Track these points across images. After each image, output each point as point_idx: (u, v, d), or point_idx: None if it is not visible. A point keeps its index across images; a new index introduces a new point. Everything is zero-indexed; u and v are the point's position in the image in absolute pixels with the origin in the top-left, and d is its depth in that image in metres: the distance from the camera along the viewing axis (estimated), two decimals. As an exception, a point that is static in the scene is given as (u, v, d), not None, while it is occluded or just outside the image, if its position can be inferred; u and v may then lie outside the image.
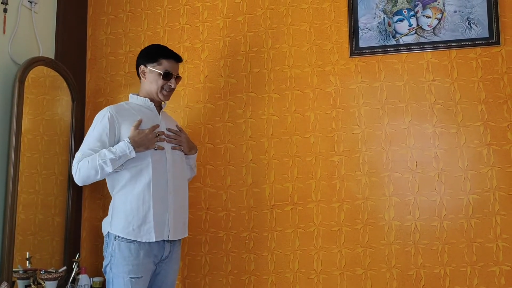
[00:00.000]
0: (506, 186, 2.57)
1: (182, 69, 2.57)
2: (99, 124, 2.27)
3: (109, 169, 2.17)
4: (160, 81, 2.39)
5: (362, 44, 2.78)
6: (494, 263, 2.54)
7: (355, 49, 2.79)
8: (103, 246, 2.30)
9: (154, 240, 2.24)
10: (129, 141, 2.20)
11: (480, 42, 2.66)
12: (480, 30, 2.66)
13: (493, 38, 2.63)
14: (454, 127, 2.67)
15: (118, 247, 2.21)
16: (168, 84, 2.41)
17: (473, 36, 2.67)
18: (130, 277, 2.18)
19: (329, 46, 2.85)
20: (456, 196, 2.64)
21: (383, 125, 2.76)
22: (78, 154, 2.24)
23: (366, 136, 2.78)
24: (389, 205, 2.72)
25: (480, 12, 2.66)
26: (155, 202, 2.25)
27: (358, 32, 2.78)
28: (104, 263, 2.27)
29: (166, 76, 2.39)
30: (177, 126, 2.54)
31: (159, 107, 2.47)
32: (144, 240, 2.22)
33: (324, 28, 2.86)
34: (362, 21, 2.79)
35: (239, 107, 2.93)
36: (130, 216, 2.22)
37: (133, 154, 2.20)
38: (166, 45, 2.57)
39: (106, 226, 2.29)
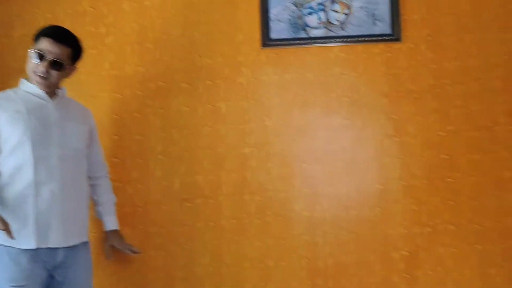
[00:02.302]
0: (408, 176, 2.57)
1: (85, 55, 2.24)
2: None
3: None
4: (31, 64, 1.98)
5: (273, 35, 2.63)
6: (393, 249, 2.54)
7: (267, 41, 2.63)
8: None
9: (34, 247, 1.88)
10: None
11: (383, 38, 2.62)
12: (384, 27, 2.62)
13: (394, 35, 2.61)
14: (360, 120, 2.62)
15: None
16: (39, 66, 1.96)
17: (377, 32, 2.62)
18: (10, 286, 1.83)
19: (241, 36, 2.66)
20: (363, 186, 2.59)
21: (294, 117, 2.63)
22: None
23: (277, 128, 2.65)
24: (299, 197, 2.61)
25: (383, 9, 2.62)
26: (36, 204, 1.90)
27: (269, 23, 2.63)
28: None
29: (37, 56, 1.96)
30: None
31: (55, 94, 2.08)
32: (23, 247, 1.87)
33: (236, 19, 2.67)
34: (273, 13, 2.63)
35: (147, 97, 2.65)
36: (8, 219, 1.81)
37: None
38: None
39: None
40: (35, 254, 1.90)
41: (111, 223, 2.32)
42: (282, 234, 2.58)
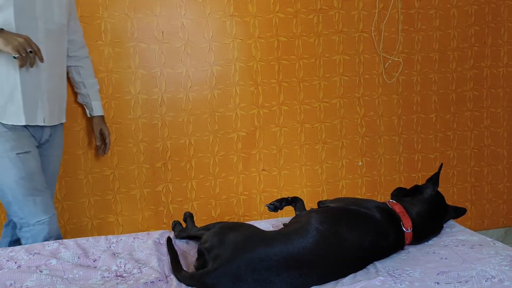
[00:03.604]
0: (245, 57, 2.50)
1: None
2: None
3: None
4: None
5: None
6: (232, 130, 2.54)
7: None
8: None
9: (23, 124, 1.78)
10: None
11: None
12: None
13: None
14: (200, -4, 2.40)
15: None
16: None
17: None
18: (17, 153, 1.75)
19: None
20: (201, 67, 2.46)
21: (127, -11, 2.29)
22: None
23: (107, 0, 2.29)
24: (135, 78, 2.38)
25: None
26: (23, 78, 1.75)
27: None
28: None
29: None
30: None
31: None
32: (10, 123, 1.76)
33: None
34: None
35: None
36: None
37: None
38: None
39: None
40: (26, 130, 1.81)
41: (99, 108, 2.20)
42: (118, 118, 2.38)
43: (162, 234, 1.64)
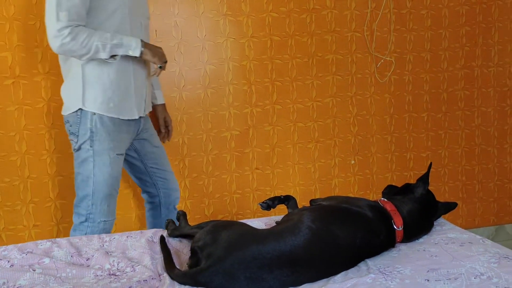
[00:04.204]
0: (238, 57, 2.51)
1: None
2: None
3: (104, 55, 1.75)
4: None
5: None
6: (226, 128, 2.54)
7: None
8: (69, 122, 1.86)
9: (137, 117, 1.91)
10: (142, 41, 1.80)
11: None
12: None
13: None
14: (194, -5, 2.41)
15: (100, 121, 1.81)
16: None
17: None
18: (116, 154, 1.85)
19: None
20: (195, 66, 2.46)
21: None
22: (63, 14, 1.66)
23: (100, -1, 2.28)
24: (128, 77, 2.38)
25: None
26: (135, 76, 1.87)
27: None
28: (79, 140, 1.83)
29: None
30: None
31: None
32: (126, 118, 1.87)
33: None
34: None
35: None
36: (110, 91, 1.81)
37: (137, 52, 1.78)
38: None
39: (75, 101, 1.81)
40: (129, 123, 1.90)
41: (161, 96, 2.25)
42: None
43: (155, 233, 1.64)
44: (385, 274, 1.32)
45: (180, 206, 2.51)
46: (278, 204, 1.73)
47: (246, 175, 2.60)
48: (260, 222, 1.73)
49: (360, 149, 2.74)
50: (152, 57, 1.83)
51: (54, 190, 2.34)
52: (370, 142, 2.75)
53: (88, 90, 1.80)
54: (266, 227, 1.58)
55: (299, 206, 1.70)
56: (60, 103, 2.27)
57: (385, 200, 1.56)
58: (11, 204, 2.30)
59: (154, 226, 2.18)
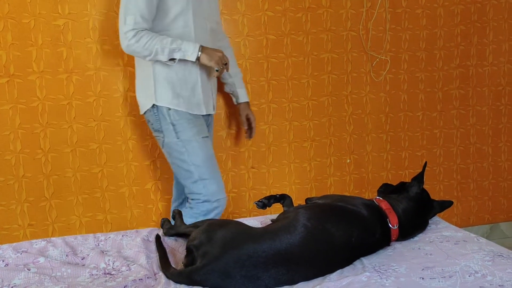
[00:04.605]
0: (236, 55, 2.51)
1: None
2: None
3: (163, 58, 1.86)
4: None
5: None
6: (221, 127, 2.54)
7: None
8: (150, 121, 1.99)
9: (204, 113, 2.02)
10: (201, 47, 1.88)
11: None
12: None
13: None
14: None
15: (177, 114, 1.94)
16: None
17: None
18: (202, 137, 1.98)
19: None
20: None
21: (115, -14, 2.28)
22: (130, 18, 1.82)
23: (95, -3, 2.28)
24: (124, 76, 2.37)
25: None
26: (201, 75, 1.98)
27: None
28: (165, 137, 1.96)
29: None
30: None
31: None
32: (194, 113, 1.98)
33: None
34: None
35: None
36: (178, 87, 1.94)
37: (193, 57, 1.87)
38: None
39: (149, 98, 1.96)
40: (201, 118, 2.02)
41: (244, 95, 2.31)
42: (106, 116, 2.37)
43: (150, 232, 1.64)
44: (380, 272, 1.32)
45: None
46: (273, 203, 1.73)
47: (242, 174, 2.60)
48: (256, 221, 1.73)
49: (355, 148, 2.75)
50: (209, 61, 1.90)
51: (49, 189, 2.33)
52: (366, 141, 2.76)
53: (159, 87, 1.94)
54: (262, 226, 1.58)
55: (295, 205, 1.71)
56: (55, 102, 2.28)
57: (381, 198, 1.56)
58: (6, 203, 2.29)
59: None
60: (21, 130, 2.26)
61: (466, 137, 2.91)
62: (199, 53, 1.88)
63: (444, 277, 1.27)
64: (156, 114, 1.97)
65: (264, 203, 1.70)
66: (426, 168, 1.68)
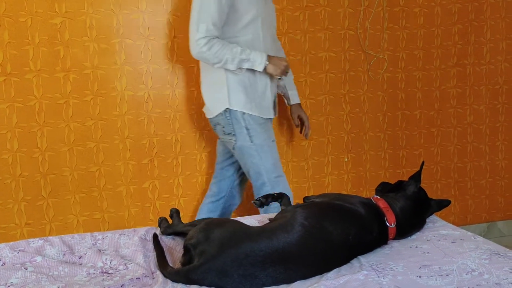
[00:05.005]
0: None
1: None
2: None
3: (231, 67, 1.93)
4: None
5: None
6: (219, 126, 2.54)
7: None
8: (221, 124, 2.02)
9: (273, 116, 2.11)
10: (268, 57, 1.94)
11: None
12: None
13: None
14: (187, -8, 2.40)
15: (251, 118, 2.00)
16: None
17: None
18: (272, 140, 2.07)
19: None
20: (188, 64, 2.45)
21: (112, -16, 2.28)
22: (202, 26, 1.86)
23: (92, -4, 2.27)
24: (121, 75, 2.37)
25: None
26: (271, 78, 2.03)
27: None
28: (238, 140, 2.01)
29: None
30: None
31: None
32: (265, 116, 2.04)
33: None
34: None
35: None
36: (250, 92, 1.99)
37: (261, 67, 1.94)
38: None
39: (221, 102, 1.99)
40: (269, 122, 2.10)
41: (296, 96, 2.35)
42: (103, 115, 2.36)
43: (148, 231, 1.63)
44: (377, 270, 1.32)
45: (173, 204, 2.51)
46: (271, 201, 1.72)
47: (240, 172, 2.60)
48: (253, 220, 1.73)
49: (353, 146, 2.75)
50: (275, 71, 1.98)
51: (46, 188, 2.33)
52: (363, 139, 2.76)
53: (233, 92, 1.98)
54: (259, 225, 1.58)
55: (293, 203, 1.70)
56: (52, 101, 2.28)
57: (378, 197, 1.56)
58: (3, 203, 2.29)
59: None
60: (18, 129, 2.25)
61: (464, 136, 2.91)
62: (266, 63, 1.95)
63: (441, 275, 1.27)
64: (228, 117, 2.00)
65: (262, 202, 1.69)
66: (424, 167, 1.68)
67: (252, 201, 1.73)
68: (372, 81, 2.72)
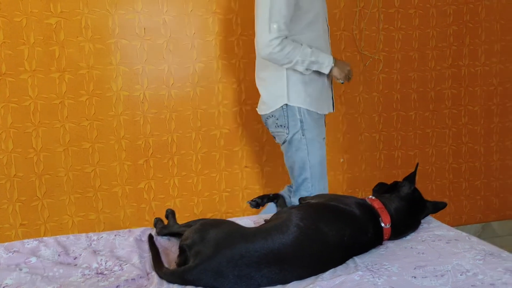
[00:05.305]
0: (227, 55, 2.51)
1: None
2: None
3: (300, 68, 1.92)
4: None
5: None
6: (215, 127, 2.54)
7: None
8: (275, 116, 2.01)
9: (332, 111, 2.12)
10: (334, 60, 1.96)
11: None
12: None
13: None
14: (182, -7, 2.40)
15: (308, 112, 2.00)
16: None
17: None
18: (323, 138, 2.07)
19: None
20: (184, 64, 2.46)
21: (108, -15, 2.28)
22: (274, 26, 1.83)
23: (88, -4, 2.27)
24: (117, 75, 2.36)
25: None
26: (329, 75, 2.02)
27: None
28: (290, 131, 1.99)
29: None
30: None
31: None
32: (322, 112, 2.06)
33: None
34: None
35: None
36: (310, 88, 1.98)
37: (327, 70, 1.95)
38: None
39: (280, 98, 1.99)
40: (323, 118, 2.09)
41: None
42: (99, 115, 2.36)
43: (143, 231, 1.63)
44: (372, 271, 1.32)
45: (169, 205, 2.51)
46: (267, 202, 1.73)
47: (236, 173, 2.60)
48: (249, 220, 1.73)
49: (348, 147, 2.75)
50: (339, 74, 1.99)
51: (41, 189, 2.32)
52: (359, 140, 2.77)
53: (292, 88, 1.97)
54: (255, 226, 1.58)
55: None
56: (47, 101, 2.27)
57: (373, 198, 1.57)
58: (-2, 203, 2.28)
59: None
60: (13, 129, 2.25)
61: (458, 136, 2.92)
62: (333, 65, 1.96)
63: (436, 276, 1.27)
64: (285, 111, 2.00)
65: (258, 203, 1.70)
66: (419, 168, 1.68)
67: (248, 202, 1.73)
68: (367, 81, 2.73)
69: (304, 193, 2.02)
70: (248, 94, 2.55)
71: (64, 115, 2.31)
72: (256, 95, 2.56)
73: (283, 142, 2.05)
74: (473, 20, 2.84)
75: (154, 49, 2.40)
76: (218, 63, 2.49)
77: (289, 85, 1.98)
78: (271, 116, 2.04)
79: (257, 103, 2.57)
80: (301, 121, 1.99)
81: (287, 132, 2.01)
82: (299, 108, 1.98)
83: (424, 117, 2.85)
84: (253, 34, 2.51)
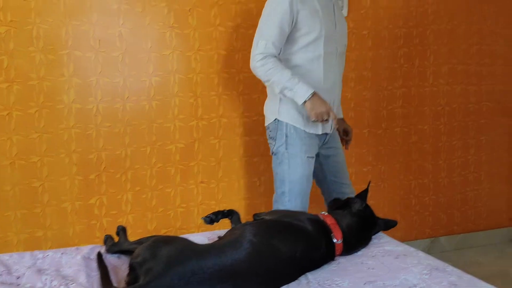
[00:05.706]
0: (184, 69, 2.50)
1: None
2: (278, 8, 1.94)
3: (276, 90, 1.96)
4: None
5: None
6: (171, 141, 2.51)
7: None
8: (269, 128, 2.09)
9: (320, 133, 2.09)
10: (312, 93, 1.91)
11: None
12: None
13: None
14: (140, 6, 2.38)
15: (294, 129, 2.04)
16: None
17: None
18: (307, 156, 2.05)
19: None
20: (140, 78, 2.42)
21: (62, -5, 2.23)
22: (262, 43, 1.94)
23: (40, 5, 2.21)
24: (69, 87, 2.30)
25: None
26: (324, 96, 1.97)
27: None
28: (276, 144, 2.06)
29: None
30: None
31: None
32: (313, 132, 2.06)
33: None
34: None
35: None
36: (301, 107, 1.97)
37: (300, 101, 1.93)
38: None
39: (273, 113, 2.08)
40: (317, 137, 2.09)
41: (340, 112, 2.32)
42: (49, 128, 2.28)
43: (92, 249, 1.58)
44: (324, 287, 1.34)
45: (121, 221, 2.45)
46: (221, 218, 1.72)
47: (191, 188, 2.57)
48: (203, 237, 1.72)
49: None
50: (310, 110, 1.94)
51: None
52: (314, 156, 2.80)
53: (284, 106, 2.04)
54: (209, 242, 1.56)
55: (244, 221, 1.70)
56: (51, 109, 2.22)
57: (326, 213, 1.60)
58: None
59: None
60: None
61: (408, 154, 3.03)
62: (307, 99, 1.92)
63: (385, 290, 1.30)
64: (276, 124, 2.07)
65: (212, 219, 1.69)
66: (371, 184, 1.73)
67: (202, 218, 1.72)
68: (322, 99, 2.78)
69: (280, 206, 2.06)
70: (204, 109, 2.54)
71: (11, 128, 2.22)
72: (212, 109, 2.57)
73: (271, 153, 2.13)
74: (422, 43, 2.97)
75: (109, 62, 2.36)
76: (174, 77, 2.48)
77: (281, 102, 2.05)
78: (267, 128, 2.14)
79: (213, 118, 2.58)
80: (286, 136, 2.05)
81: (274, 144, 2.09)
82: (286, 123, 2.05)
83: (377, 135, 2.94)
84: (211, 50, 2.54)
